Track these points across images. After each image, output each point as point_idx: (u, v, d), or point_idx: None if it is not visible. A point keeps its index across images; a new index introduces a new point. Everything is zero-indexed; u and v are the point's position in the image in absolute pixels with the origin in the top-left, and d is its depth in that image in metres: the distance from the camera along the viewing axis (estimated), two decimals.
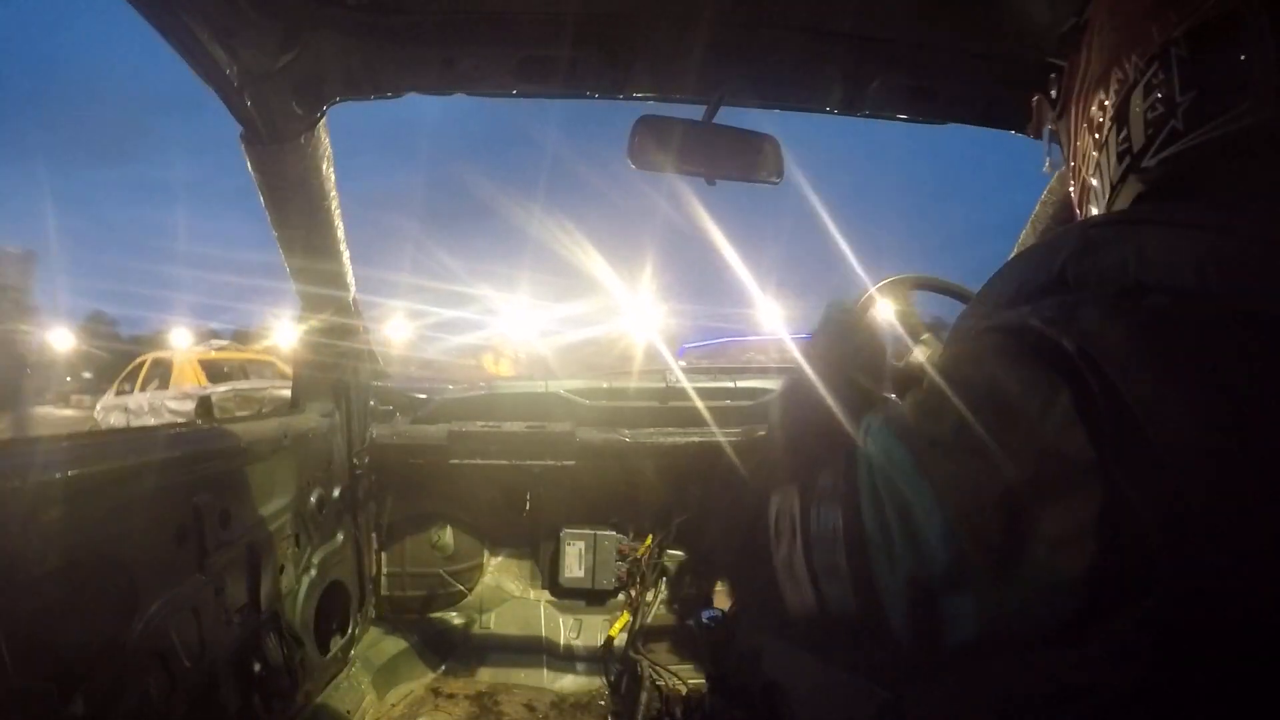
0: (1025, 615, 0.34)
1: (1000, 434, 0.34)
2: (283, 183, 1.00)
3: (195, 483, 0.89)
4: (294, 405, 1.32)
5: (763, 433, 1.38)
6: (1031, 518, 0.33)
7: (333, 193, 1.07)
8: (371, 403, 1.44)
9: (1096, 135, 0.49)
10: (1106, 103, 0.47)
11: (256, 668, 1.07)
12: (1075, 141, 0.53)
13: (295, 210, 1.04)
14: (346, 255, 1.20)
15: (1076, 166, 0.53)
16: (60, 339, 16.01)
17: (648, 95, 1.03)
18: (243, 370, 8.56)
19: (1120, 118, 0.46)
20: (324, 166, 1.02)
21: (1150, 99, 0.44)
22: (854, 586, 0.38)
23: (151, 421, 7.19)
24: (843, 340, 0.60)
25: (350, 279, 1.25)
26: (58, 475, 0.67)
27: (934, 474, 0.36)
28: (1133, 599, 0.32)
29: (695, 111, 1.05)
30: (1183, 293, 0.34)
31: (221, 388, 7.28)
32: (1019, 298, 0.40)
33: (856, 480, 0.39)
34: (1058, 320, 0.34)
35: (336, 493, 1.31)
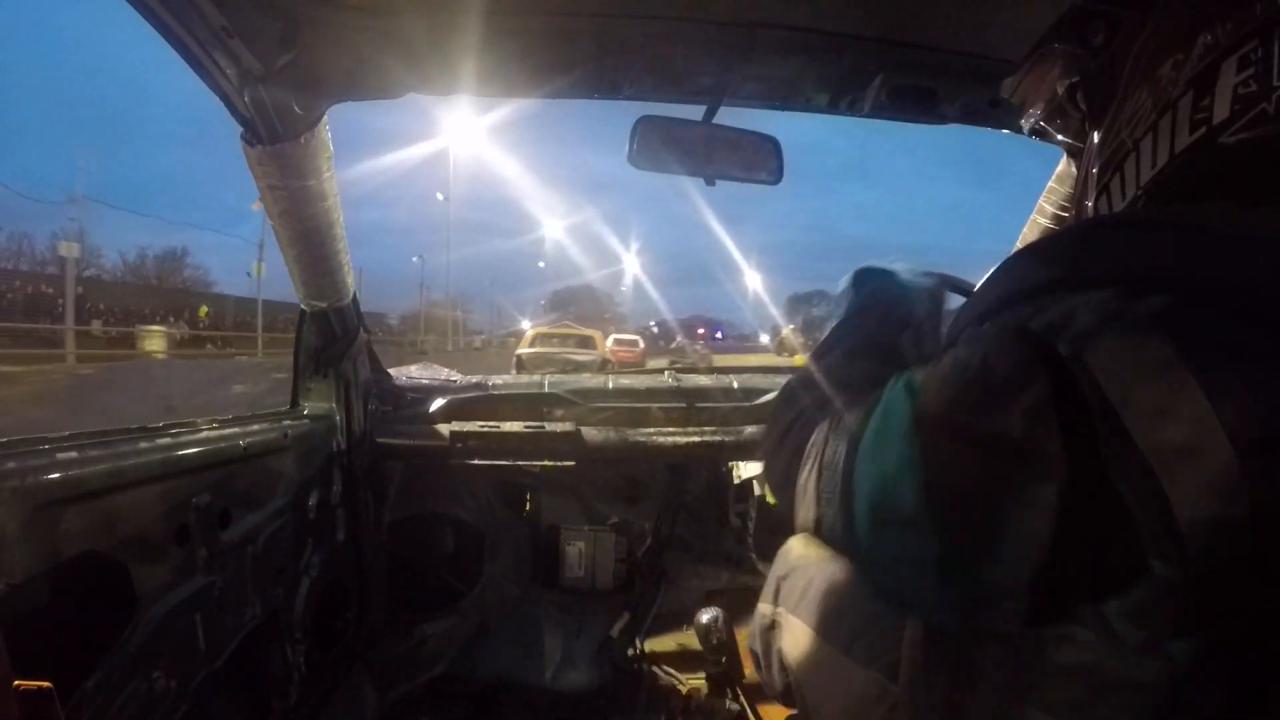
0: (998, 589, 0.36)
1: (981, 413, 0.36)
2: (283, 183, 1.00)
3: (195, 483, 0.89)
4: (294, 405, 1.32)
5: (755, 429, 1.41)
6: (1002, 500, 0.34)
7: (333, 193, 1.07)
8: (371, 403, 1.44)
9: (1162, 96, 0.45)
10: (1185, 64, 0.44)
11: (257, 668, 1.07)
12: (1123, 96, 0.49)
13: (295, 210, 1.04)
14: (347, 255, 1.20)
15: (1115, 124, 0.49)
16: None
17: (648, 95, 1.03)
18: (559, 340, 13.78)
19: (1202, 84, 0.42)
20: (324, 166, 1.02)
21: (1245, 74, 0.40)
22: (843, 516, 0.43)
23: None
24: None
25: (350, 279, 1.25)
26: (58, 475, 0.68)
27: (924, 442, 0.38)
28: (1121, 587, 0.32)
29: (695, 111, 1.05)
30: (1186, 295, 0.33)
31: (530, 350, 12.48)
32: (1020, 296, 0.40)
33: (867, 424, 0.42)
34: (1056, 325, 0.35)
35: (336, 493, 1.31)
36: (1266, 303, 0.32)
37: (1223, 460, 0.29)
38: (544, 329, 15.45)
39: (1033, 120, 0.62)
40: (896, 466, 0.39)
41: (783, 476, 0.53)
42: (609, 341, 21.92)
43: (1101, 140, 0.50)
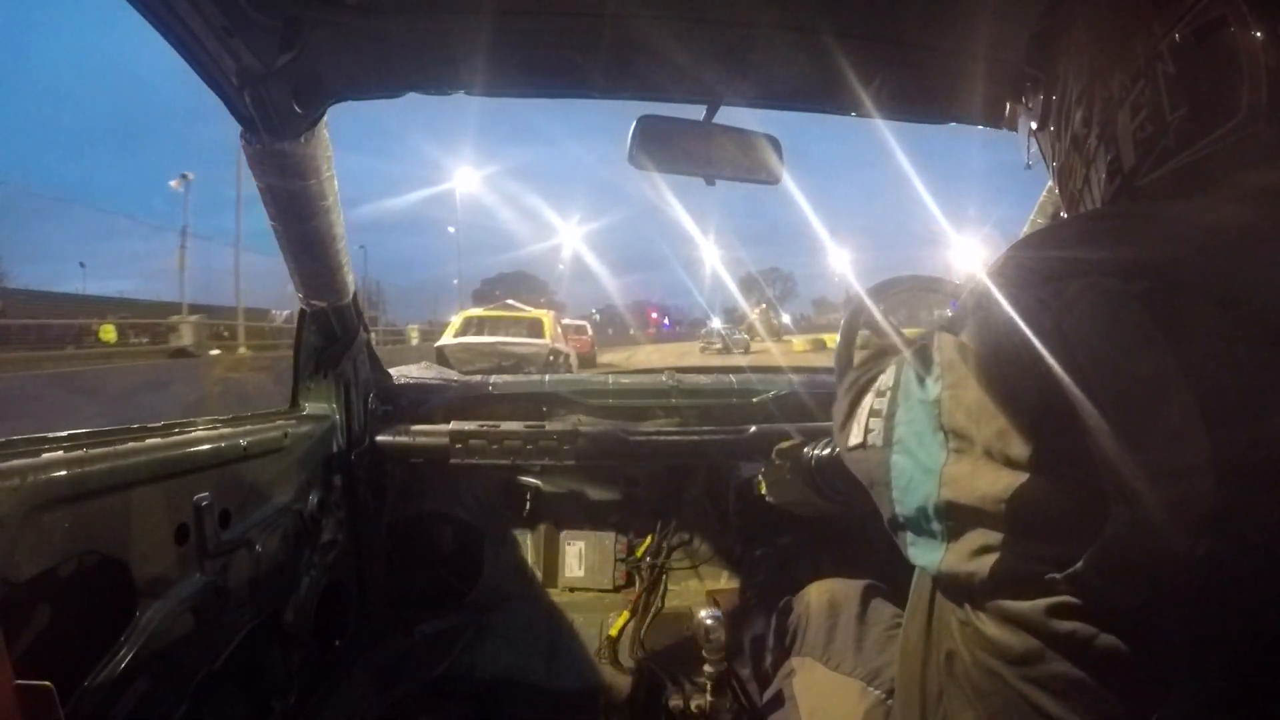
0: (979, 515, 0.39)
1: (972, 360, 0.41)
2: (283, 182, 1.00)
3: (195, 483, 0.89)
4: (294, 405, 1.32)
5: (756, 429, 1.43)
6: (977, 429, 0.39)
7: (333, 192, 1.07)
8: (371, 403, 1.44)
9: (1083, 152, 0.48)
10: (1092, 120, 0.47)
11: (257, 668, 1.07)
12: (1058, 151, 0.53)
13: (295, 210, 1.04)
14: (347, 255, 1.20)
15: (1063, 178, 0.53)
16: None
17: (648, 95, 1.03)
18: (498, 327, 11.01)
19: (1108, 137, 0.45)
20: (324, 166, 1.02)
21: (1139, 118, 0.43)
22: (882, 433, 0.49)
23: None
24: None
25: (350, 279, 1.25)
26: (58, 474, 0.68)
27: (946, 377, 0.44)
28: (1091, 534, 0.34)
29: (695, 111, 1.05)
30: (1163, 279, 0.36)
31: (454, 341, 9.95)
32: (1017, 283, 0.42)
33: (904, 365, 0.49)
34: (1047, 301, 0.37)
35: (336, 493, 1.31)
36: (1236, 289, 0.35)
37: (1184, 413, 0.32)
38: (478, 312, 12.32)
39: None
40: (919, 398, 0.45)
41: (845, 415, 0.59)
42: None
43: (1059, 186, 0.55)
